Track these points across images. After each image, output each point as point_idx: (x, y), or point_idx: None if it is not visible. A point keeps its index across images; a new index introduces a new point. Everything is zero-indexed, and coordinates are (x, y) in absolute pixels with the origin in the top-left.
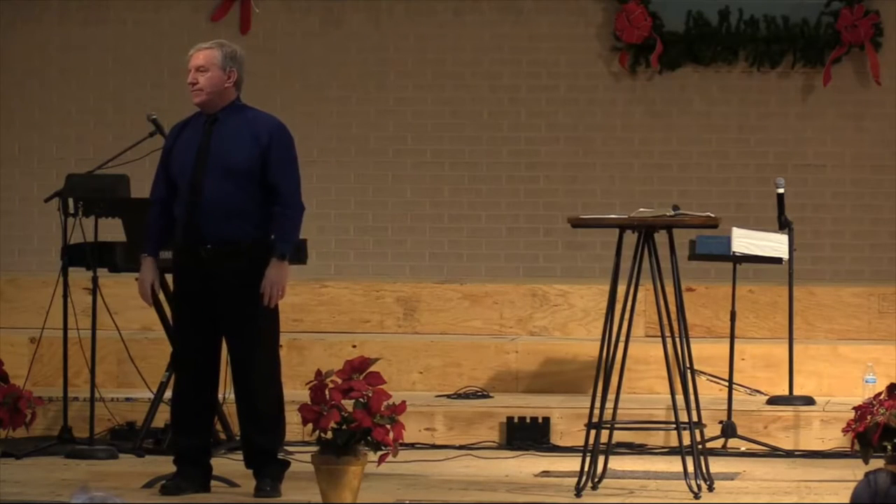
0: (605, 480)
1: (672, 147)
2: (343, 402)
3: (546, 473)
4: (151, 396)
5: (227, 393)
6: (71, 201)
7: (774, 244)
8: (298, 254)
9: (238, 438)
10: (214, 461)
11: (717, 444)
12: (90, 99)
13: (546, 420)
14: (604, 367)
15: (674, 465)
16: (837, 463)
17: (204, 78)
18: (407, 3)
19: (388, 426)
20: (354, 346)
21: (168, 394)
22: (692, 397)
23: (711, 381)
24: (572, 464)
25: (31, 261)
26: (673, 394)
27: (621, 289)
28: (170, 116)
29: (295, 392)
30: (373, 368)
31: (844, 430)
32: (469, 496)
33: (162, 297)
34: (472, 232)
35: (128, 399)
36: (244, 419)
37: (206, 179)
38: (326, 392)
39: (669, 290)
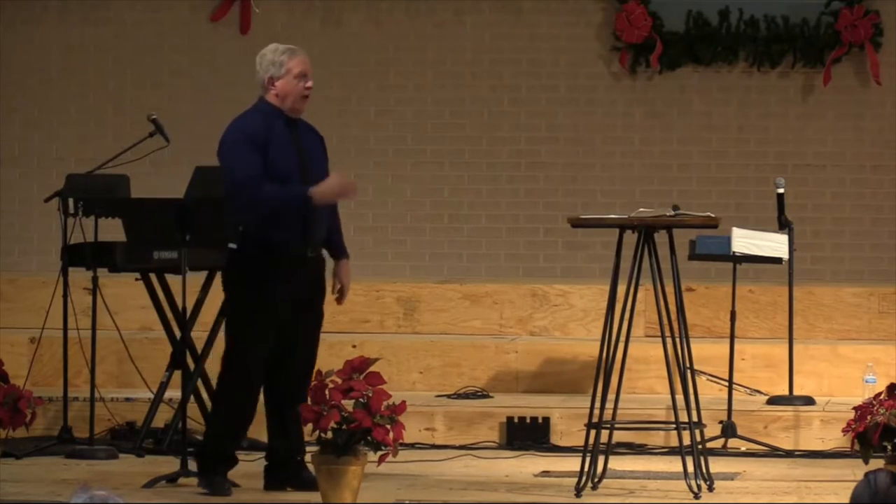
0: (605, 480)
1: (672, 147)
2: (343, 402)
3: (546, 473)
4: (151, 396)
5: None
6: (71, 201)
7: (774, 244)
8: None
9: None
10: None
11: (717, 444)
12: (90, 99)
13: (546, 420)
14: (604, 367)
15: (674, 465)
16: (837, 463)
17: None
18: (407, 3)
19: (388, 426)
20: (354, 346)
21: (168, 394)
22: (692, 397)
23: (711, 381)
24: (572, 464)
25: (31, 261)
26: (673, 394)
27: (621, 289)
28: (170, 116)
29: None
30: (373, 368)
31: (844, 430)
32: (469, 496)
33: (162, 297)
34: (472, 232)
35: (128, 399)
36: (291, 425)
37: (313, 186)
38: (326, 392)
39: (669, 290)
